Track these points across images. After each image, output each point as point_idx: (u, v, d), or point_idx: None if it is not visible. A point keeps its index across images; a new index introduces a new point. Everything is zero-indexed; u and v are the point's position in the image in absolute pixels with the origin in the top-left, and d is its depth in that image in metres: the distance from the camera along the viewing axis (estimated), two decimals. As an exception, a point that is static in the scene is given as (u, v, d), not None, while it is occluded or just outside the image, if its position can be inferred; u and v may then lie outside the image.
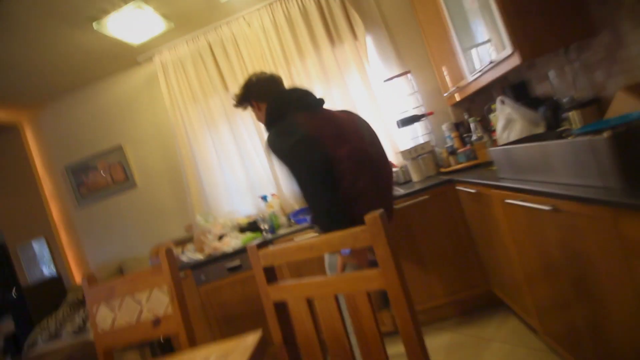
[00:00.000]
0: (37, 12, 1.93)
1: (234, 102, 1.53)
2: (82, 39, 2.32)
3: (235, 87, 2.69)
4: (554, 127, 1.69)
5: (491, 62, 1.65)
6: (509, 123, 1.72)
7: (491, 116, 2.09)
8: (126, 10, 2.13)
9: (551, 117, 1.71)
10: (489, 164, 1.75)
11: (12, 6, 1.82)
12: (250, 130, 2.69)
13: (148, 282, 1.14)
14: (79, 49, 2.42)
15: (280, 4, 2.63)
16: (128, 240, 2.92)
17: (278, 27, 2.64)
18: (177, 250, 2.39)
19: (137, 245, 2.88)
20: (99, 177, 3.00)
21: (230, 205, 2.71)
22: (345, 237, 0.78)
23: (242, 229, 2.45)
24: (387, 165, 1.46)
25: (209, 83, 2.74)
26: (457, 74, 2.17)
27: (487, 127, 2.21)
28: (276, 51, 2.63)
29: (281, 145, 1.22)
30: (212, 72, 2.72)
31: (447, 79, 2.36)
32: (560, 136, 1.38)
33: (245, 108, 1.55)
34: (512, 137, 1.69)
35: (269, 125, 1.38)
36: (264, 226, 2.33)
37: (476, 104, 2.47)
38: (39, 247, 2.89)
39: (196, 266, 2.19)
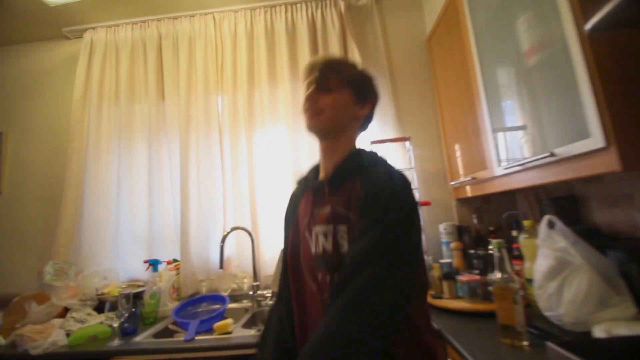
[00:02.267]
0: None
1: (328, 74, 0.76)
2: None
3: (174, 97, 1.95)
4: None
5: (551, 155, 0.93)
6: (563, 268, 0.96)
7: (520, 238, 1.34)
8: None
9: (636, 277, 0.96)
10: (514, 332, 0.94)
11: None
12: (173, 162, 1.90)
13: None
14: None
15: (265, 12, 2.00)
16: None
17: (254, 39, 1.99)
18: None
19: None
20: (-43, 168, 2.12)
21: (113, 259, 1.82)
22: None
23: (102, 306, 1.53)
24: None
25: (142, 83, 2.00)
26: (475, 159, 1.47)
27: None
28: (241, 66, 1.94)
29: (410, 194, 0.69)
30: (151, 70, 1.99)
31: (459, 162, 1.66)
32: None
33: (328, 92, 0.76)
34: (568, 299, 0.92)
35: (370, 153, 0.79)
36: (115, 320, 1.31)
37: (492, 207, 1.74)
38: None
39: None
